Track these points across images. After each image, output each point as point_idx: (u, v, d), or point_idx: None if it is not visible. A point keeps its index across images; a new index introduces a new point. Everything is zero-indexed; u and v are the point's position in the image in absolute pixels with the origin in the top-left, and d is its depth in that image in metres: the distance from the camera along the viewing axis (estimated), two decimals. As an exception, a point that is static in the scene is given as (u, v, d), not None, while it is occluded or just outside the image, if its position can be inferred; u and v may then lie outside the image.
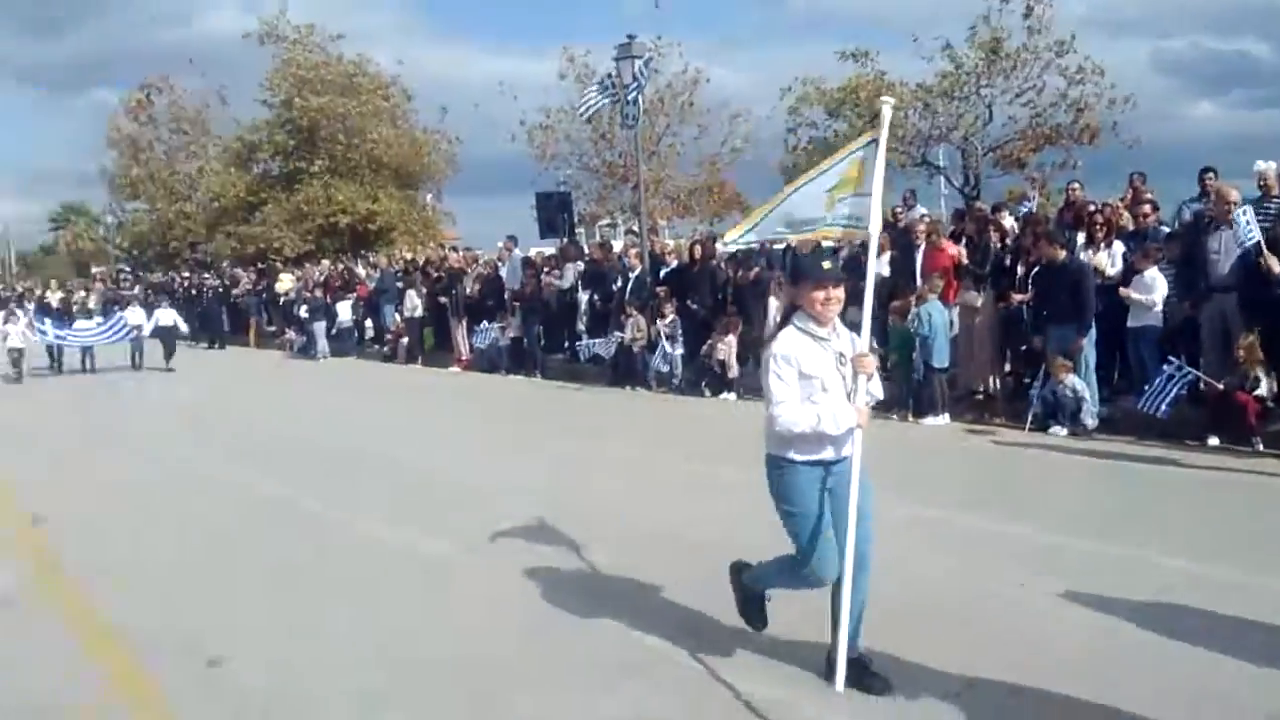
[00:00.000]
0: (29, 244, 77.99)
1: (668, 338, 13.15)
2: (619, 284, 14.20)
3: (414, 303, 18.20)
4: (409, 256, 22.61)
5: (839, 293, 3.47)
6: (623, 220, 20.59)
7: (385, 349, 19.34)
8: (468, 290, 17.16)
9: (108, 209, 38.39)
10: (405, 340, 18.48)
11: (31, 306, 20.25)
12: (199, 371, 18.13)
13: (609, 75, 14.69)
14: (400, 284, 19.02)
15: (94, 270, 44.40)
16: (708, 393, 12.47)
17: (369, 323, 21.01)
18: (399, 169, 27.89)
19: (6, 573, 5.60)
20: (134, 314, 18.89)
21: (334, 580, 5.22)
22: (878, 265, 9.51)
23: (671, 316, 13.23)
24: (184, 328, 20.19)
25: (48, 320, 18.24)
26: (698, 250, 13.52)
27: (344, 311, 20.03)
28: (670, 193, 20.14)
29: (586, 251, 15.57)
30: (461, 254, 18.35)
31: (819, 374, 3.46)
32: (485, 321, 16.49)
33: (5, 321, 17.33)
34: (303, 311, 20.77)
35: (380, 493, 7.36)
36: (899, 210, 12.96)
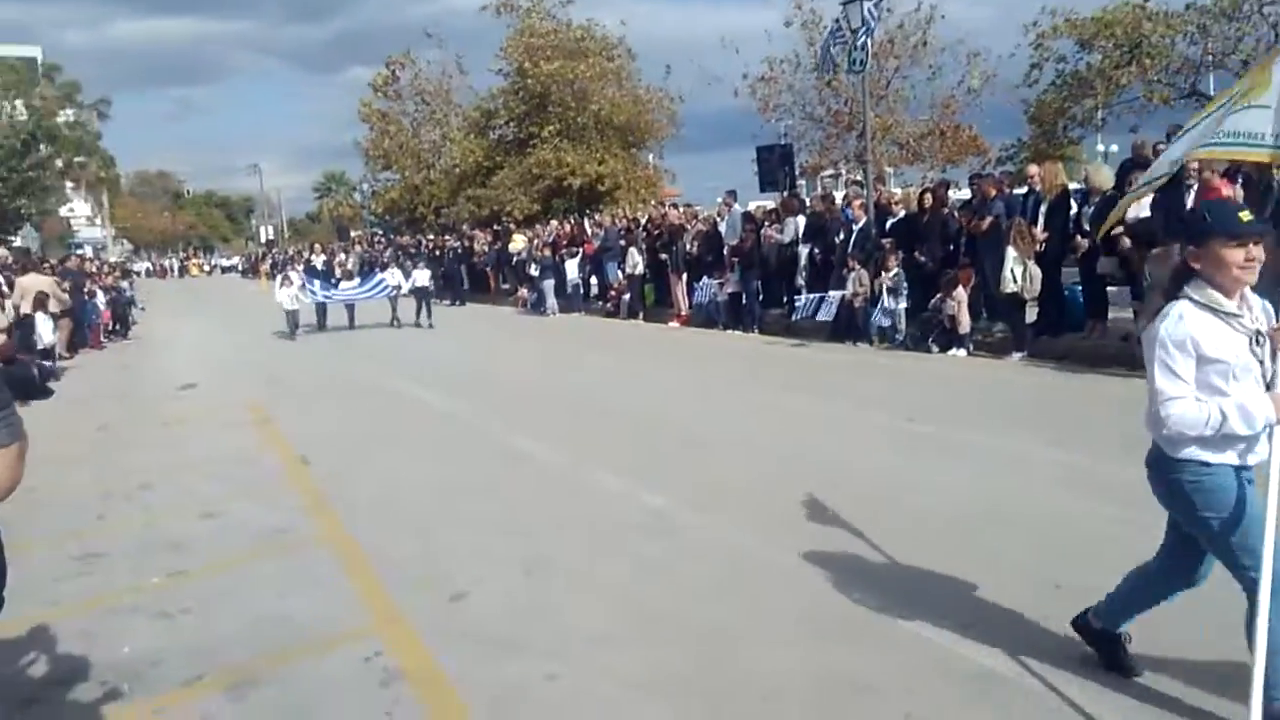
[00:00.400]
0: (297, 211, 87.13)
1: (890, 291, 12.65)
2: (841, 236, 13.78)
3: (635, 260, 18.59)
4: (631, 215, 23.07)
5: (1259, 251, 2.76)
6: (847, 170, 19.89)
7: (609, 305, 19.93)
8: (687, 247, 17.30)
9: (363, 178, 41.85)
10: (627, 296, 18.96)
11: (301, 268, 21.53)
12: (445, 327, 19.05)
13: (837, 21, 14.11)
14: (623, 242, 19.46)
15: (352, 234, 48.78)
16: (935, 349, 11.91)
17: (594, 279, 21.71)
18: (624, 129, 28.42)
19: (282, 505, 6.29)
20: (392, 275, 19.77)
21: (562, 526, 5.44)
22: (1138, 208, 8.54)
23: (896, 269, 12.70)
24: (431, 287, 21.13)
25: (316, 281, 19.24)
26: (928, 199, 12.83)
27: (571, 269, 20.80)
28: (899, 139, 19.19)
29: (808, 204, 15.18)
30: (681, 210, 18.47)
31: (1227, 358, 2.77)
32: (704, 277, 16.58)
33: (281, 285, 18.51)
34: (533, 270, 21.79)
35: (607, 442, 7.60)
36: (1160, 145, 11.66)
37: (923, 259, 12.72)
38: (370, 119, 35.00)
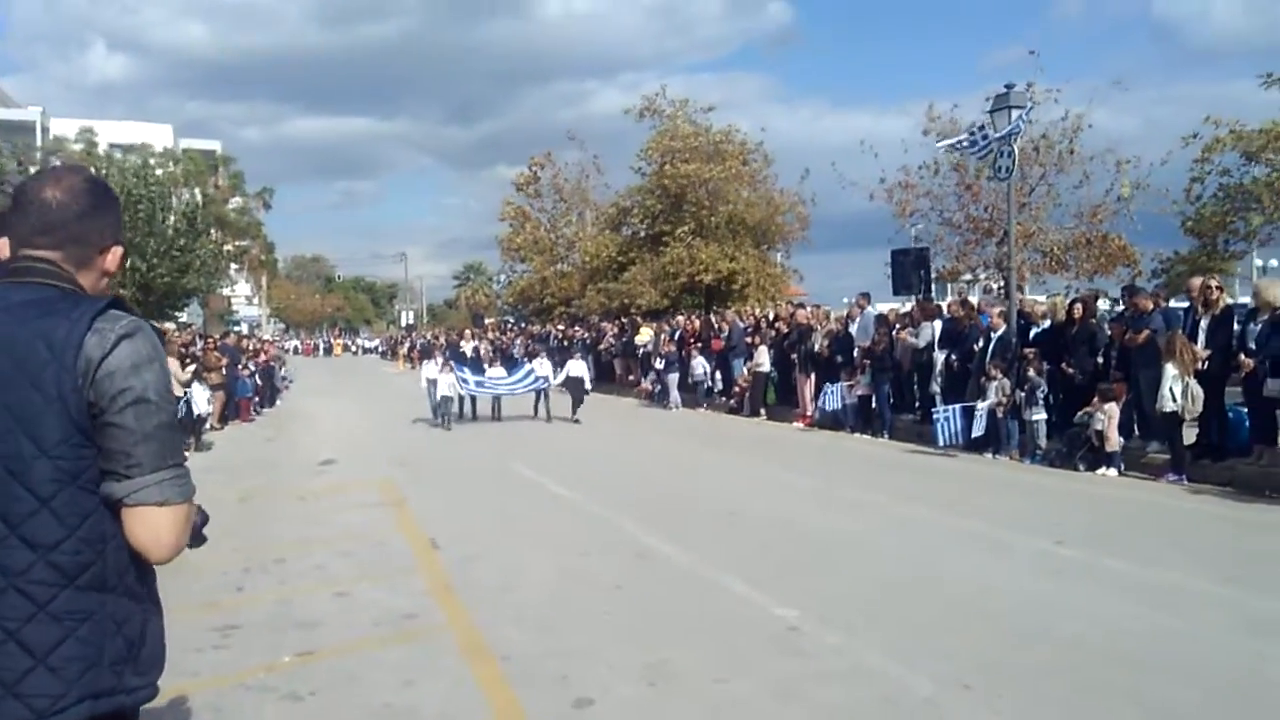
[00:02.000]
0: (436, 298, 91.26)
1: (1030, 403, 12.08)
2: (980, 344, 13.32)
3: (761, 357, 18.47)
4: (759, 312, 23.07)
5: None
6: (986, 277, 19.39)
7: (732, 401, 19.79)
8: (816, 346, 17.08)
9: (500, 270, 43.58)
10: (750, 394, 18.78)
11: (446, 354, 20.39)
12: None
13: (978, 126, 13.97)
14: (749, 339, 19.39)
15: (486, 321, 50.61)
16: (1081, 467, 11.25)
17: (718, 374, 21.66)
18: (755, 228, 28.78)
19: (409, 589, 6.34)
20: (541, 364, 18.68)
21: (689, 634, 5.25)
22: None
23: (1038, 380, 12.15)
24: (589, 381, 19.73)
25: (466, 369, 18.34)
26: (1077, 309, 12.31)
27: (697, 365, 20.73)
28: (1042, 246, 18.63)
29: (945, 309, 14.81)
30: (811, 310, 18.33)
31: None
32: (833, 378, 16.28)
33: (442, 370, 17.35)
34: (658, 363, 21.93)
35: (733, 546, 7.38)
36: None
37: (1069, 371, 12.14)
38: (509, 217, 36.65)
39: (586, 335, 29.17)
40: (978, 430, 12.08)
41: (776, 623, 5.37)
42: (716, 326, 22.45)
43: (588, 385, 18.94)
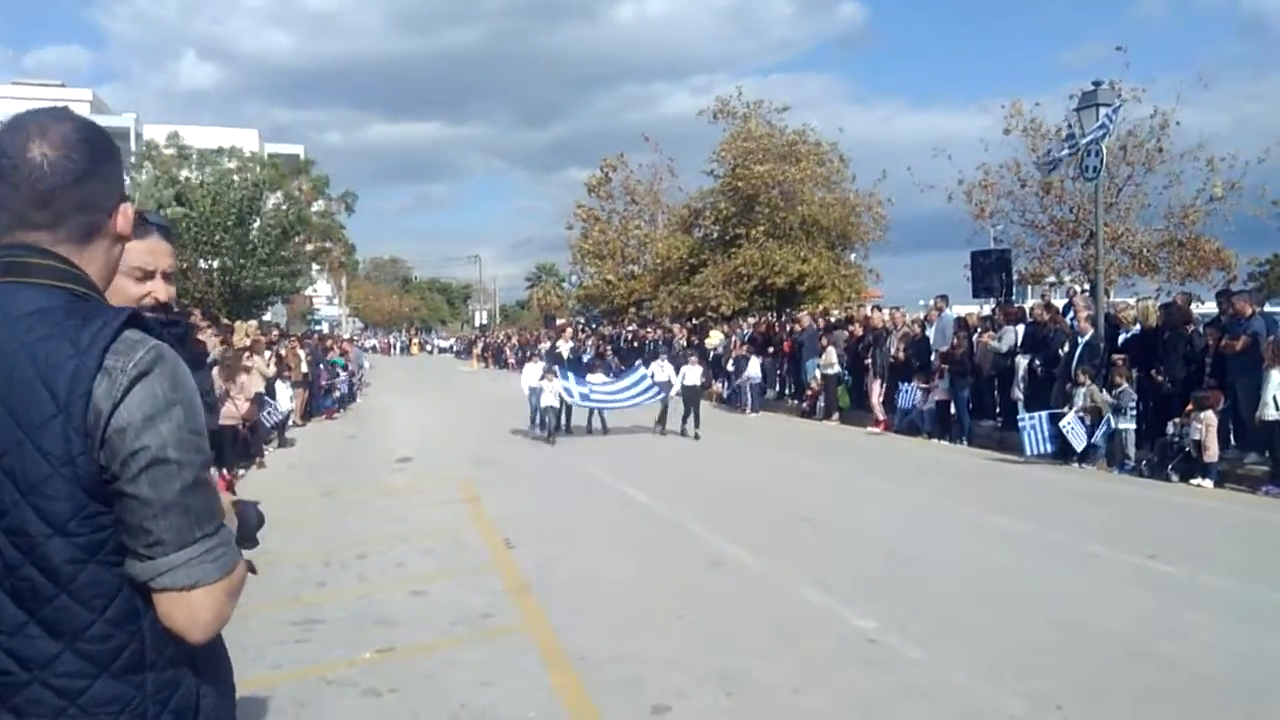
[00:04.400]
0: (508, 298, 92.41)
1: (1117, 410, 11.64)
2: (1066, 349, 12.89)
3: (832, 359, 18.19)
4: (833, 314, 22.74)
5: None
6: (1070, 279, 18.74)
7: (803, 404, 19.54)
8: (892, 350, 16.76)
9: (571, 270, 43.89)
10: (822, 397, 18.52)
11: (538, 357, 17.85)
12: (643, 419, 16.25)
13: (1068, 125, 13.53)
14: (821, 341, 19.12)
15: (558, 321, 51.04)
16: (1174, 477, 10.80)
17: (789, 378, 21.44)
18: (830, 229, 28.38)
19: (486, 588, 6.39)
20: (660, 369, 16.34)
21: (766, 643, 5.17)
22: None
23: (1126, 387, 11.71)
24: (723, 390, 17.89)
25: (571, 376, 15.94)
26: (1167, 313, 11.83)
27: (752, 368, 20.31)
28: (1130, 248, 17.92)
29: (1029, 312, 14.38)
30: (888, 312, 17.99)
31: None
32: (908, 382, 15.96)
33: (542, 376, 15.26)
34: (729, 365, 21.79)
35: (810, 552, 7.27)
36: None
37: (1160, 378, 11.68)
38: (579, 219, 36.88)
39: (657, 336, 29.16)
40: (1070, 440, 11.64)
41: (855, 634, 5.25)
42: (788, 328, 22.22)
43: (701, 389, 16.35)
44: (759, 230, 28.13)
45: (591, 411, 15.85)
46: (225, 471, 10.50)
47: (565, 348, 19.66)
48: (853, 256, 30.87)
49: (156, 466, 1.33)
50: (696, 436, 15.04)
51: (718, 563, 6.96)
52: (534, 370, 15.92)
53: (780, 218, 27.90)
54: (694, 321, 28.35)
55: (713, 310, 28.49)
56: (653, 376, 15.94)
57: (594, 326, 39.05)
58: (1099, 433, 11.71)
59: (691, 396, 15.70)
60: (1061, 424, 11.81)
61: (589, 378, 16.41)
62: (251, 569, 1.91)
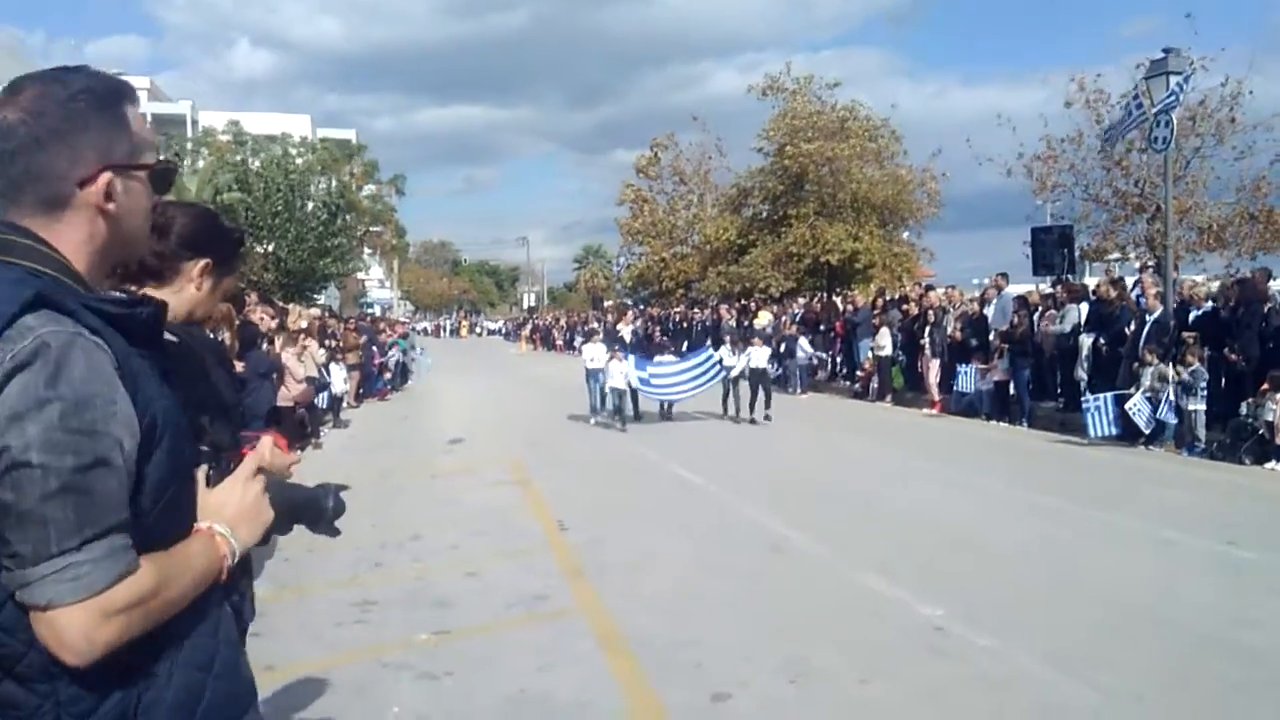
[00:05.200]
0: (556, 281, 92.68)
1: (1187, 389, 11.22)
2: (1132, 327, 12.45)
3: (884, 339, 17.86)
4: (890, 293, 22.34)
5: None
6: (1136, 256, 18.14)
7: (856, 385, 19.24)
8: (949, 329, 16.39)
9: (619, 253, 43.78)
10: (876, 378, 18.20)
11: (599, 338, 16.41)
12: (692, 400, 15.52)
13: (1133, 97, 13.04)
14: (875, 321, 18.79)
15: (605, 304, 51.03)
16: (1247, 460, 10.39)
17: (841, 358, 21.13)
18: (882, 207, 27.86)
19: (541, 570, 6.34)
20: (727, 352, 15.35)
21: (828, 630, 5.03)
22: None
23: (1196, 366, 11.27)
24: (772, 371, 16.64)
25: (630, 358, 14.89)
26: (1240, 290, 11.37)
27: (802, 347, 19.98)
28: (1198, 223, 17.28)
29: (1093, 290, 13.92)
30: (944, 291, 17.58)
31: None
32: (965, 363, 15.58)
33: (610, 358, 14.33)
34: (781, 346, 21.52)
35: (870, 537, 7.10)
36: None
37: (1233, 357, 11.23)
38: (627, 200, 36.68)
39: (705, 317, 28.95)
40: (1137, 421, 11.26)
41: (921, 622, 5.09)
42: (840, 308, 21.86)
43: (769, 372, 15.41)
44: (809, 209, 27.74)
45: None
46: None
47: (626, 331, 18.20)
48: (905, 235, 30.31)
49: (16, 470, 1.18)
50: (767, 418, 14.36)
51: (775, 547, 6.82)
52: (595, 351, 14.80)
53: (830, 196, 27.46)
54: (743, 302, 28.07)
55: (761, 291, 28.21)
56: (721, 361, 15.06)
57: (642, 308, 38.95)
58: (1167, 412, 11.31)
59: (760, 379, 14.88)
60: (1128, 405, 11.43)
61: (657, 358, 15.58)
62: (335, 528, 1.86)
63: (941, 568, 6.24)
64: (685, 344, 17.99)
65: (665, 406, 15.27)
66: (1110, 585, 5.77)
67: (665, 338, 18.39)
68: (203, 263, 2.05)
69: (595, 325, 29.64)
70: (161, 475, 1.29)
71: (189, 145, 31.39)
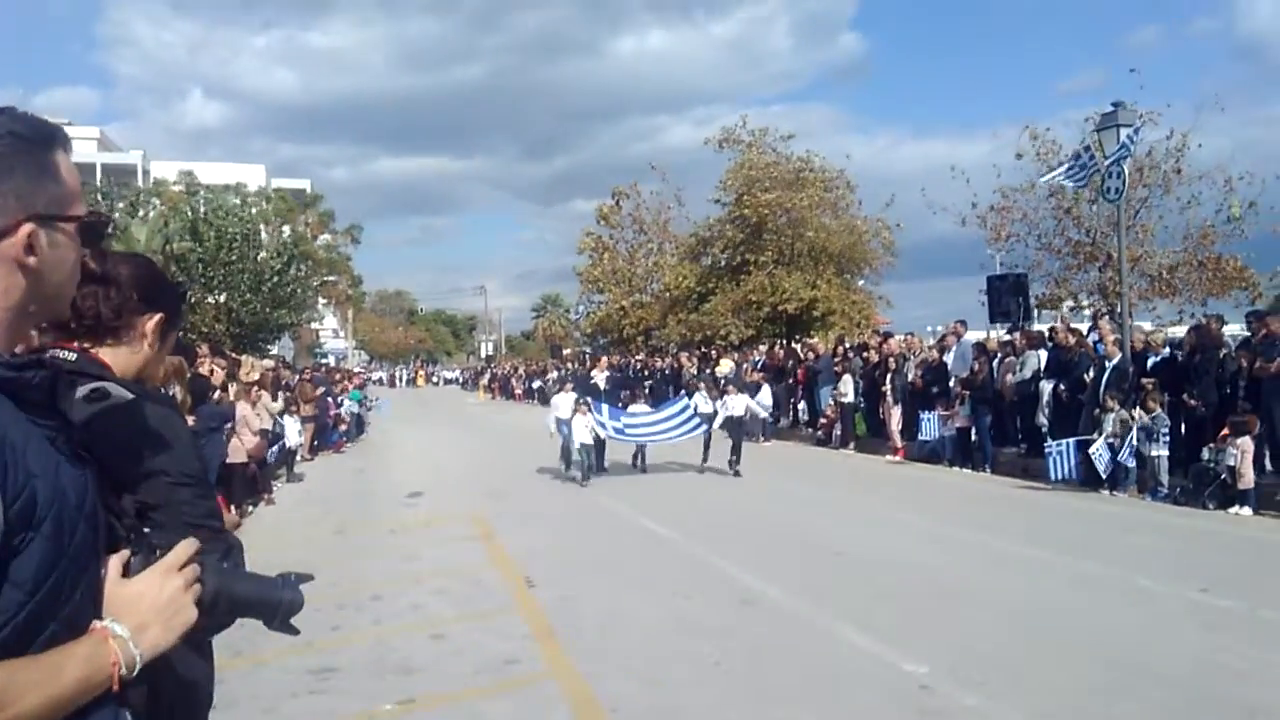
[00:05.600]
0: (513, 329, 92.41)
1: (1148, 435, 11.32)
2: (1091, 374, 12.58)
3: (845, 387, 17.90)
4: (849, 341, 22.48)
5: None
6: (1090, 304, 18.50)
7: (819, 433, 19.22)
8: (909, 376, 16.48)
9: (578, 300, 43.77)
10: (839, 426, 18.20)
11: (571, 388, 15.54)
12: (652, 449, 15.20)
13: (1084, 148, 13.36)
14: (836, 368, 18.85)
15: (565, 352, 50.84)
16: (1210, 505, 10.46)
17: (802, 405, 21.14)
18: (838, 256, 28.24)
19: (509, 632, 6.07)
20: (704, 400, 14.94)
21: (811, 691, 4.86)
22: None
23: (1157, 412, 11.39)
24: (761, 412, 16.86)
25: (604, 408, 14.30)
26: (1196, 336, 11.56)
27: (764, 395, 19.87)
28: (1149, 270, 17.70)
29: (1049, 337, 14.10)
30: (904, 338, 17.73)
31: None
32: (927, 409, 15.64)
33: (576, 411, 13.67)
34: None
35: (845, 590, 6.94)
36: None
37: (1192, 402, 11.37)
38: (588, 248, 36.81)
39: (665, 365, 28.91)
40: (1099, 466, 11.34)
41: (905, 680, 4.93)
42: (801, 355, 21.92)
43: (761, 417, 15.01)
44: (767, 257, 28.02)
45: (638, 447, 14.76)
46: (234, 509, 10.24)
47: (601, 378, 17.31)
48: (861, 283, 30.72)
49: None
50: (737, 473, 13.75)
51: (749, 601, 6.64)
52: (564, 401, 14.29)
53: (788, 245, 27.78)
54: (703, 350, 28.13)
55: (721, 338, 28.31)
56: (695, 408, 14.62)
57: (599, 357, 38.85)
58: (1128, 457, 11.39)
59: (735, 428, 14.29)
60: (1091, 451, 11.50)
61: (630, 409, 15.10)
62: (292, 630, 1.62)
63: (920, 620, 6.10)
64: (649, 389, 17.51)
65: (638, 458, 14.83)
66: (1092, 637, 5.66)
67: (637, 388, 17.85)
68: (156, 318, 1.86)
69: (561, 373, 29.14)
70: (39, 565, 1.09)
71: (140, 195, 30.87)
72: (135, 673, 1.22)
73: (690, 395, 15.47)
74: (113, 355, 1.78)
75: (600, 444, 14.14)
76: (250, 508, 11.34)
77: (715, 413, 14.57)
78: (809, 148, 30.79)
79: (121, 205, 27.92)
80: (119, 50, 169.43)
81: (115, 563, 1.27)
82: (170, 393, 4.21)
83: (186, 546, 1.36)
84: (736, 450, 14.00)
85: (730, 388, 15.56)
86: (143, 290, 1.81)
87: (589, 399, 14.39)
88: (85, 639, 1.17)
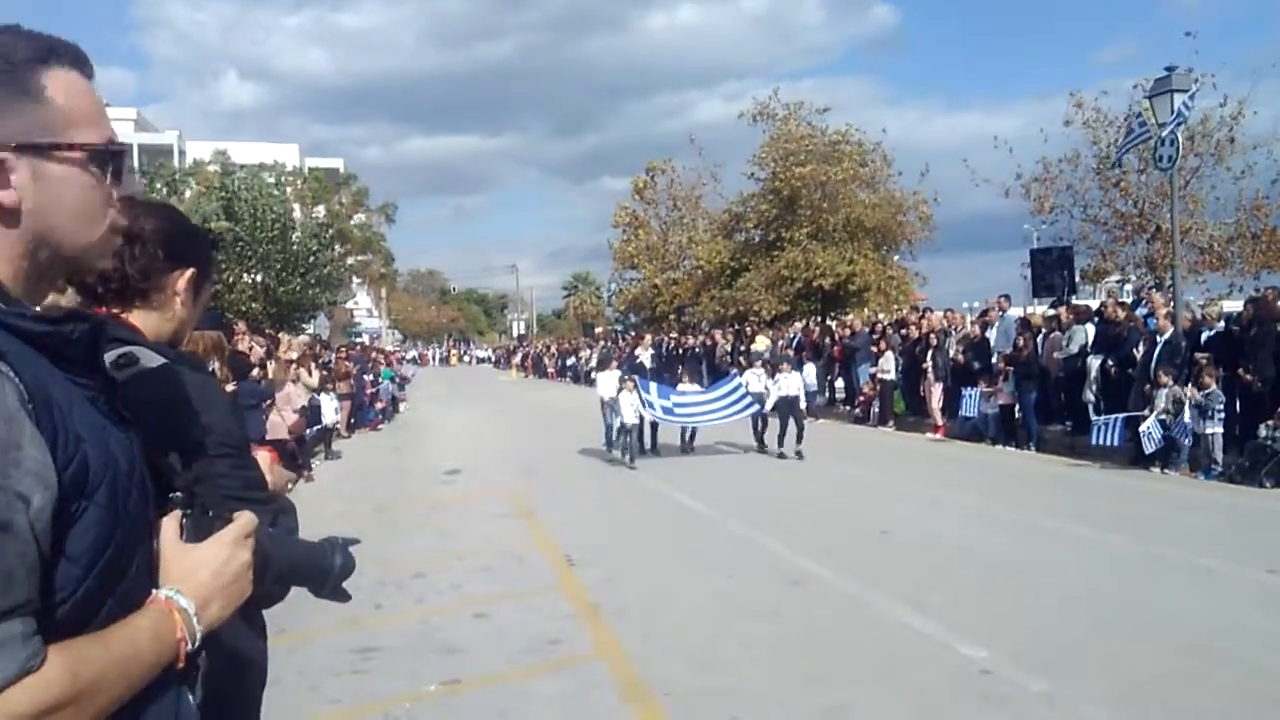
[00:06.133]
0: (544, 308, 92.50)
1: (1201, 412, 10.98)
2: (1142, 349, 12.23)
3: (887, 364, 17.61)
4: (881, 316, 22.14)
5: None
6: (1137, 276, 18.00)
7: (856, 410, 18.97)
8: (951, 352, 16.17)
9: (610, 278, 43.60)
10: (877, 403, 17.94)
11: (615, 364, 14.96)
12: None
13: (1136, 115, 12.92)
14: (874, 345, 18.55)
15: (596, 330, 50.74)
16: (1268, 483, 10.14)
17: (840, 383, 20.87)
18: (875, 230, 27.77)
19: (552, 611, 5.98)
20: (755, 378, 14.21)
21: (867, 673, 4.70)
22: None
23: (1212, 388, 11.04)
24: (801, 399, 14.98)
25: (652, 386, 13.74)
26: (1254, 309, 11.17)
27: (805, 373, 19.61)
28: (1199, 242, 17.18)
29: (1098, 311, 13.73)
30: (945, 314, 17.39)
31: None
32: (970, 386, 15.34)
33: (621, 388, 12.99)
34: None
35: (896, 570, 6.75)
36: None
37: (1249, 377, 11.01)
38: (623, 223, 36.55)
39: (699, 342, 28.69)
40: (1149, 444, 11.03)
41: (965, 663, 4.76)
42: (836, 333, 21.63)
43: (800, 401, 13.91)
44: (802, 232, 27.63)
45: (684, 430, 14.05)
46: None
47: (646, 356, 16.40)
48: (897, 258, 30.24)
49: None
50: (799, 455, 12.79)
51: (797, 581, 6.49)
52: (608, 380, 13.62)
53: (823, 219, 27.37)
54: (736, 326, 27.85)
55: (755, 315, 28.01)
56: (747, 386, 13.84)
57: (632, 334, 38.70)
58: (1181, 432, 11.06)
59: (791, 408, 13.47)
60: (1141, 428, 11.18)
61: (680, 387, 14.28)
62: (344, 595, 1.60)
63: (976, 601, 5.91)
64: (733, 370, 15.85)
65: (687, 437, 14.19)
66: (1160, 619, 5.45)
67: (687, 366, 16.92)
68: (188, 274, 1.71)
69: (603, 349, 28.79)
70: (96, 536, 0.97)
71: (177, 175, 31.07)
72: (198, 649, 1.11)
73: (741, 373, 14.67)
74: (144, 319, 1.65)
75: (650, 423, 13.57)
76: (290, 485, 11.35)
77: (766, 392, 13.84)
78: (846, 120, 30.22)
79: (160, 186, 28.12)
80: (154, 32, 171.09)
81: (170, 525, 1.15)
82: (210, 369, 4.10)
83: (247, 521, 1.24)
84: (798, 432, 13.16)
85: (785, 365, 14.61)
86: (171, 245, 1.67)
87: (635, 377, 13.81)
88: (147, 611, 1.06)
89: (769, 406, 13.74)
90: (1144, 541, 7.51)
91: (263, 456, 2.01)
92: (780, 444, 13.28)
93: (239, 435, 1.74)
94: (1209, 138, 17.05)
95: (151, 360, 1.52)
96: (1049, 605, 5.83)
